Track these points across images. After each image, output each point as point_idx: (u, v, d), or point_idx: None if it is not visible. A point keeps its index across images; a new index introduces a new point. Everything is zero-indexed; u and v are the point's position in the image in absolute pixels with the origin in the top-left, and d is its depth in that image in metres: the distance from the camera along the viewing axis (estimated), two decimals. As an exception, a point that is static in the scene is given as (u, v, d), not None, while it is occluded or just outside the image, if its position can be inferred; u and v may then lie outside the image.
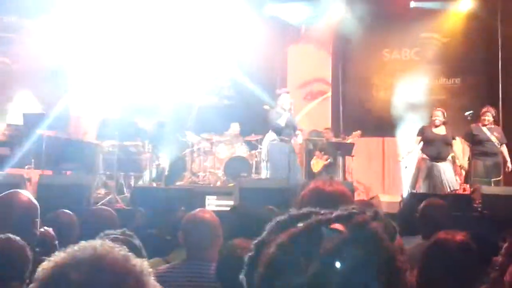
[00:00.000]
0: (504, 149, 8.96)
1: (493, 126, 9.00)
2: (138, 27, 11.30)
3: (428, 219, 4.15)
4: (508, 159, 8.95)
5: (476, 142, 8.87)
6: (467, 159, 9.11)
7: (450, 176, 8.77)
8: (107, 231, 2.98)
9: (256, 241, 1.13)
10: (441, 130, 8.86)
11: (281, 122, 8.62)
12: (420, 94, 12.00)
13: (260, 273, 1.07)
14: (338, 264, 1.01)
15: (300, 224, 1.09)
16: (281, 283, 1.04)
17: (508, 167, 8.91)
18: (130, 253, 1.14)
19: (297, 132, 9.06)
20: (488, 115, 8.92)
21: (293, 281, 1.03)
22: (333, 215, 1.09)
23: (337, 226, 1.07)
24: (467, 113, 9.16)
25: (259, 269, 1.07)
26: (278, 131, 8.70)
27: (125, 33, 11.23)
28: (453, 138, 9.00)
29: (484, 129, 8.88)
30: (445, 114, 8.96)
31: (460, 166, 9.20)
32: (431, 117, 9.02)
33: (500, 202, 7.45)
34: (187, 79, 12.20)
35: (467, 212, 7.24)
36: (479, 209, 7.46)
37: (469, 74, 12.15)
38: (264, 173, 8.91)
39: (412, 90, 12.16)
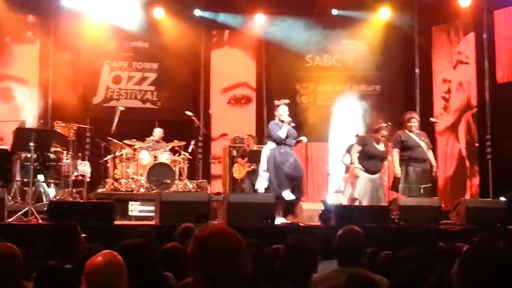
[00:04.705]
0: (431, 154, 8.90)
1: (419, 131, 8.88)
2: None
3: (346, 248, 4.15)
4: (435, 164, 8.94)
5: (405, 148, 8.68)
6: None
7: (381, 190, 8.68)
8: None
9: None
10: (381, 146, 8.72)
11: (282, 134, 8.32)
12: (341, 101, 12.23)
13: None
14: None
15: None
16: None
17: (435, 172, 8.93)
18: None
19: (301, 138, 8.70)
20: (414, 121, 8.78)
21: None
22: None
23: None
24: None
25: None
26: (279, 143, 8.41)
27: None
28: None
29: (412, 135, 8.71)
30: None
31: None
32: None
33: (416, 212, 7.72)
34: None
35: (384, 223, 7.45)
36: (396, 220, 7.66)
37: (388, 81, 12.49)
38: (261, 183, 8.34)
39: (334, 96, 12.37)
